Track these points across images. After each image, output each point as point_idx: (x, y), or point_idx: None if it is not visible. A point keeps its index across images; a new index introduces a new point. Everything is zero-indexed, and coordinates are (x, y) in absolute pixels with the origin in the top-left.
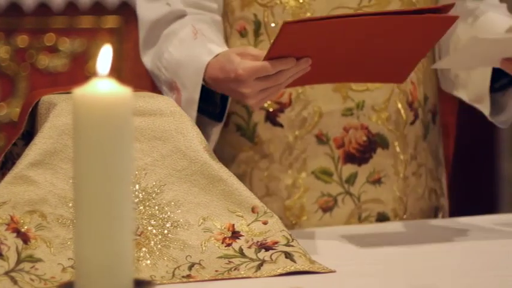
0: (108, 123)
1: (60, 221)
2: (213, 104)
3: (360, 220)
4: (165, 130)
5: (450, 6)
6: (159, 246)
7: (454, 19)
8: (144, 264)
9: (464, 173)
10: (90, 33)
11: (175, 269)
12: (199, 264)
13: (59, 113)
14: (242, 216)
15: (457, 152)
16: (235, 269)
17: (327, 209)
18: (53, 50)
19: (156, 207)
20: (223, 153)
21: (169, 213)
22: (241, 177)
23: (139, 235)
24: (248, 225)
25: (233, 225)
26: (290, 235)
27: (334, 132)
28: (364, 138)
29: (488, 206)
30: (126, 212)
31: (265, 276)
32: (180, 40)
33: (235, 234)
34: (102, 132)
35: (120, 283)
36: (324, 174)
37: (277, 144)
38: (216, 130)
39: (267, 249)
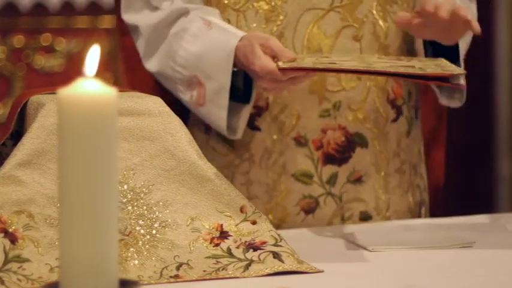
0: (93, 123)
1: (48, 221)
2: (236, 89)
3: (343, 220)
4: (153, 130)
5: (459, 75)
6: (147, 246)
7: (462, 87)
8: (132, 264)
9: (463, 172)
10: (86, 33)
11: (163, 269)
12: (187, 264)
13: (46, 113)
14: (230, 216)
15: (455, 151)
16: (223, 269)
17: (309, 210)
18: (49, 50)
19: (145, 207)
20: (208, 159)
21: (157, 213)
22: None
23: (128, 235)
24: (236, 225)
25: (221, 225)
26: (278, 235)
27: (312, 134)
28: (343, 138)
29: (485, 205)
30: (112, 212)
31: (253, 276)
32: (193, 35)
33: (224, 234)
34: (87, 132)
35: (106, 283)
36: (304, 177)
37: (256, 148)
38: (246, 111)
39: (255, 249)
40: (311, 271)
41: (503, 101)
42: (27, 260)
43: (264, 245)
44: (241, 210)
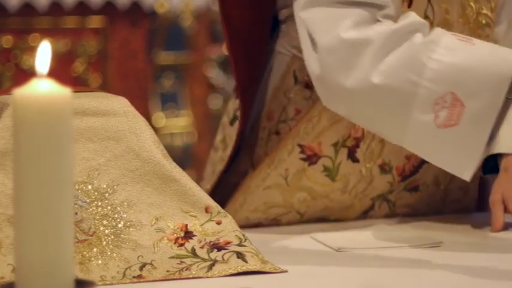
0: (47, 124)
1: (11, 222)
2: None
3: None
4: (118, 130)
5: None
6: (110, 246)
7: None
8: (95, 264)
9: None
10: (74, 33)
11: (126, 269)
12: (151, 264)
13: (10, 113)
14: (195, 216)
15: None
16: (186, 269)
17: (365, 211)
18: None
19: (109, 207)
20: (304, 188)
21: (122, 213)
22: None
23: (91, 235)
24: (201, 225)
25: (186, 225)
26: (243, 235)
27: (396, 161)
28: (418, 161)
29: (481, 205)
30: (67, 212)
31: (217, 276)
32: (447, 48)
33: (188, 234)
34: (41, 132)
35: (61, 283)
36: (378, 196)
37: (353, 178)
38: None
39: (219, 249)
40: (275, 271)
41: None
42: None
43: (228, 245)
44: (206, 210)
